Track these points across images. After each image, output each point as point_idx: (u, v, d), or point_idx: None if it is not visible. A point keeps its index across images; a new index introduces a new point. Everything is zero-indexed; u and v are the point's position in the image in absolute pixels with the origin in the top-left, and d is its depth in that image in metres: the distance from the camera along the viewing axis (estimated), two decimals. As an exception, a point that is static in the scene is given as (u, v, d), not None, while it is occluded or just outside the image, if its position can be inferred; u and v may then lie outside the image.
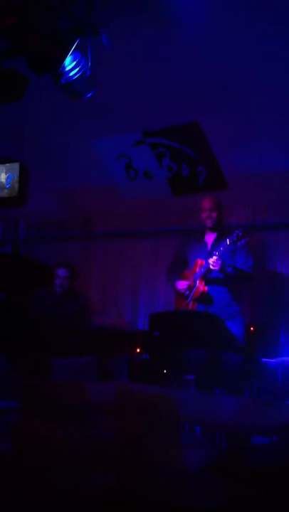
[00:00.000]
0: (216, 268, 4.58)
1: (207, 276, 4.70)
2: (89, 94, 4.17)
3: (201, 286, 4.72)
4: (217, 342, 4.42)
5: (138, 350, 5.99)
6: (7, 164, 6.97)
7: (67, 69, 3.99)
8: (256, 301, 5.99)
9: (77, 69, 4.01)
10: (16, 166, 7.42)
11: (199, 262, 4.76)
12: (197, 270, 4.74)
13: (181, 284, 4.84)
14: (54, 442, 1.82)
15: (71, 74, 4.02)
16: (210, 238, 4.88)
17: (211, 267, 4.58)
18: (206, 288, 4.70)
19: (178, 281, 4.90)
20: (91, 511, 1.64)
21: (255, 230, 6.04)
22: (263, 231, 6.08)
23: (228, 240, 4.58)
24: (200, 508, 2.54)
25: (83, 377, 3.94)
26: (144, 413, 2.72)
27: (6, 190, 7.08)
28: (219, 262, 4.55)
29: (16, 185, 7.50)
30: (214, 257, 4.57)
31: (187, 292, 4.79)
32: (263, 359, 5.37)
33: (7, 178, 7.08)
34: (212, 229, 4.87)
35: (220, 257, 4.59)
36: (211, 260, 4.58)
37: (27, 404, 3.27)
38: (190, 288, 4.76)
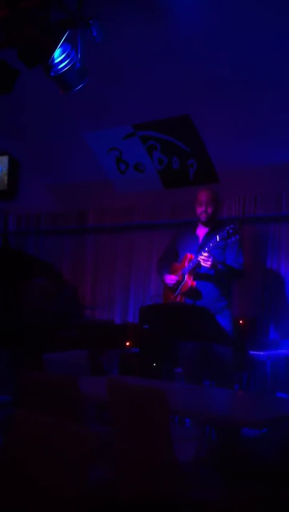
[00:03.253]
0: (208, 265, 4.51)
1: (197, 271, 4.64)
2: (79, 87, 4.15)
3: (189, 281, 4.66)
4: (207, 335, 4.43)
5: (128, 343, 6.00)
6: (-4, 157, 6.96)
7: (57, 61, 3.97)
8: (246, 294, 6.01)
9: (66, 61, 3.99)
10: (5, 159, 7.39)
11: (189, 256, 4.70)
12: (186, 265, 4.68)
13: (170, 279, 4.79)
14: (50, 435, 1.82)
15: (60, 66, 4.00)
16: (202, 232, 4.79)
17: (202, 263, 4.51)
18: (194, 283, 4.64)
19: (166, 275, 4.85)
20: (87, 504, 1.65)
21: (245, 223, 6.05)
22: (253, 224, 6.09)
23: (218, 237, 4.51)
24: (192, 499, 2.55)
25: (75, 371, 3.94)
26: (134, 406, 2.73)
27: (-6, 183, 7.07)
28: (211, 258, 4.48)
29: (5, 178, 7.48)
30: (205, 254, 4.49)
31: (175, 286, 4.76)
32: (252, 352, 5.40)
33: (-4, 171, 7.06)
34: (205, 223, 4.77)
35: (211, 253, 4.51)
36: (201, 257, 4.51)
37: (19, 398, 3.27)
38: (178, 282, 4.72)
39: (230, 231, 4.52)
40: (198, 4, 4.27)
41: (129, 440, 2.76)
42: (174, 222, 6.53)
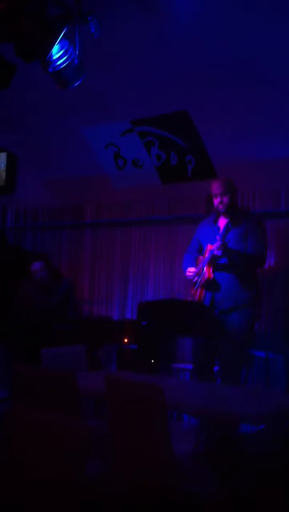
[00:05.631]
0: (219, 253, 4.43)
1: (216, 262, 4.53)
2: (77, 83, 4.14)
3: (207, 272, 4.55)
4: (205, 331, 4.44)
5: (126, 339, 6.00)
6: (-6, 153, 6.93)
7: (55, 57, 3.96)
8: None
9: (64, 57, 3.98)
10: (3, 155, 7.38)
11: (209, 247, 4.59)
12: (206, 256, 4.59)
13: (188, 271, 4.72)
14: (46, 430, 1.83)
15: (59, 62, 3.99)
16: (223, 222, 4.70)
17: (214, 251, 4.44)
18: (212, 275, 4.53)
19: (187, 269, 4.78)
20: (84, 497, 1.66)
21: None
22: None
23: (229, 224, 4.47)
24: (189, 494, 2.56)
25: (72, 366, 3.94)
26: (132, 401, 2.74)
27: (-7, 179, 7.04)
28: (221, 245, 4.40)
29: (4, 174, 7.46)
30: (218, 242, 4.43)
31: (196, 278, 4.68)
32: (250, 348, 5.40)
33: (-6, 167, 7.04)
34: (225, 214, 4.66)
35: (223, 240, 4.43)
36: (213, 245, 4.44)
37: (16, 393, 3.28)
38: (198, 274, 4.63)
39: (235, 217, 4.48)
40: (196, 0, 4.26)
41: (126, 435, 2.76)
42: (172, 218, 6.54)
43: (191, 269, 4.68)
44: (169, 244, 6.63)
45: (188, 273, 4.70)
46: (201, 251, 4.80)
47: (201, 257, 4.75)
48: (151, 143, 6.15)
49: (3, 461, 1.88)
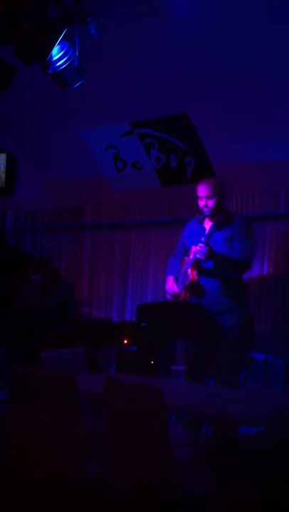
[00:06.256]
0: (201, 257, 4.32)
1: (201, 265, 4.42)
2: (76, 85, 4.14)
3: (191, 274, 4.46)
4: (204, 334, 4.43)
5: (126, 341, 6.00)
6: (-6, 155, 6.94)
7: (55, 59, 3.96)
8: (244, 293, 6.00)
9: (64, 59, 3.98)
10: (3, 156, 7.38)
11: (194, 248, 4.47)
12: (190, 257, 4.50)
13: (168, 287, 4.65)
14: (45, 431, 1.83)
15: (58, 64, 3.99)
16: (209, 224, 4.58)
17: (198, 254, 4.33)
18: (196, 277, 4.44)
19: (168, 281, 4.70)
20: (83, 498, 1.65)
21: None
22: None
23: (213, 226, 4.38)
24: (189, 495, 2.56)
25: (71, 368, 3.94)
26: (131, 403, 2.73)
27: (-7, 181, 7.05)
28: (205, 249, 4.29)
29: (3, 176, 7.46)
30: (200, 244, 4.31)
31: (180, 281, 4.60)
32: (250, 351, 5.40)
33: (-6, 168, 7.04)
34: (211, 217, 4.55)
35: (207, 244, 4.32)
36: (196, 248, 4.33)
37: (16, 395, 3.27)
38: (182, 276, 4.56)
39: (222, 219, 4.39)
40: (196, 1, 4.27)
41: (125, 436, 2.76)
42: (172, 220, 6.54)
43: (174, 291, 4.60)
44: (168, 246, 6.62)
45: (167, 288, 4.65)
46: (186, 252, 4.71)
47: (186, 258, 4.65)
48: (151, 145, 6.16)
49: (3, 461, 1.88)
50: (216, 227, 4.46)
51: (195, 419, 3.89)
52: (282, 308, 5.80)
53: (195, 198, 4.62)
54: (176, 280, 4.68)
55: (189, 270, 4.49)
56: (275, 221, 5.95)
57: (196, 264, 4.45)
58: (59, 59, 3.97)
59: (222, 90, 5.09)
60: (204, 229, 4.59)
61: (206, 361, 4.52)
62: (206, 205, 4.51)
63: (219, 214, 4.52)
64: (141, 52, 4.88)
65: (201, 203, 4.55)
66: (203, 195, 4.52)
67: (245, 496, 2.63)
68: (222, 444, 3.42)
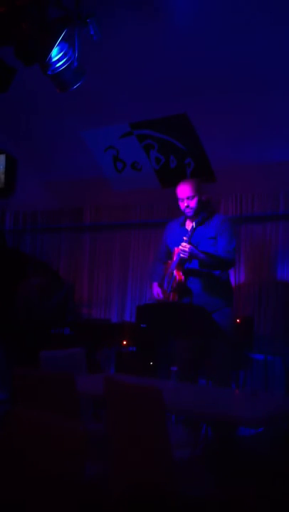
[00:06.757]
0: (185, 256, 4.28)
1: (186, 266, 4.40)
2: (76, 86, 4.15)
3: (178, 275, 4.42)
4: (204, 333, 4.43)
5: (125, 342, 6.00)
6: (-7, 156, 6.95)
7: (54, 60, 3.97)
8: (243, 293, 6.02)
9: (64, 60, 3.99)
10: (3, 157, 7.39)
11: (176, 250, 4.44)
12: (174, 259, 4.46)
13: (155, 292, 4.63)
14: (45, 431, 1.83)
15: (58, 65, 4.00)
16: (190, 225, 4.52)
17: (181, 254, 4.29)
18: (182, 277, 4.41)
19: (154, 286, 4.68)
20: (82, 498, 1.66)
21: (242, 222, 6.07)
22: (250, 223, 6.11)
23: (194, 224, 4.34)
24: (189, 496, 2.56)
25: (71, 368, 3.94)
26: (131, 404, 2.74)
27: (-8, 182, 7.06)
28: (188, 248, 4.24)
29: (3, 177, 7.47)
30: (183, 244, 4.27)
31: (166, 284, 4.60)
32: (249, 351, 5.40)
33: (-7, 169, 7.05)
34: (193, 217, 4.50)
35: (189, 242, 4.28)
36: (179, 248, 4.29)
37: (15, 396, 3.27)
38: (169, 278, 4.57)
39: (205, 215, 4.36)
40: (195, 2, 4.27)
41: (125, 437, 2.76)
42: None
43: (161, 297, 4.58)
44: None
45: (156, 300, 4.62)
46: (169, 255, 4.66)
47: (170, 261, 4.61)
48: (151, 146, 6.16)
49: (3, 461, 1.88)
50: (198, 223, 4.44)
51: (194, 420, 3.89)
52: (282, 309, 5.80)
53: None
54: (161, 285, 4.67)
55: (175, 271, 4.46)
56: (275, 221, 5.96)
57: (181, 264, 4.43)
58: (58, 60, 3.98)
59: (221, 91, 5.10)
60: (186, 230, 4.54)
61: (198, 361, 4.52)
62: (187, 206, 4.47)
63: (202, 213, 4.48)
64: (140, 53, 4.88)
65: (182, 205, 4.50)
66: (184, 196, 4.47)
67: (244, 497, 2.63)
68: (221, 445, 3.42)
